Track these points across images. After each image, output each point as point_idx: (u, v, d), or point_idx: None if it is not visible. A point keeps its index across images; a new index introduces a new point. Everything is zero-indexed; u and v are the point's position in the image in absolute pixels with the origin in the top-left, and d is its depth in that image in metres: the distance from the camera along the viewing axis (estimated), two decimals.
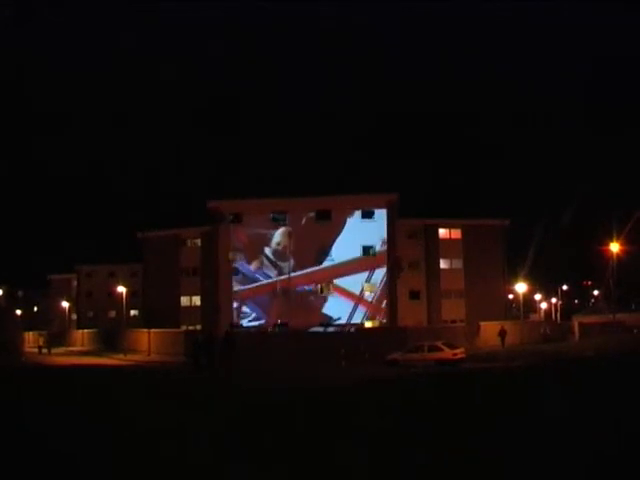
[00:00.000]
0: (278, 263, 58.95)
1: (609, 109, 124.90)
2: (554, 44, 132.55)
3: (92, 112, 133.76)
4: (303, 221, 58.64)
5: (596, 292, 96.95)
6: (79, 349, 62.47)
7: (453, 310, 57.97)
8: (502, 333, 46.58)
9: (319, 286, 58.17)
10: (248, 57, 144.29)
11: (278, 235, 59.17)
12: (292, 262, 57.94)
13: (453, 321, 55.91)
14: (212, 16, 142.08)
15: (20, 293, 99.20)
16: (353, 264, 57.62)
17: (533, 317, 78.88)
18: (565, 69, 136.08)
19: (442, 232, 60.21)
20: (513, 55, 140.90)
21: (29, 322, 76.63)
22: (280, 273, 58.60)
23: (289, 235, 58.55)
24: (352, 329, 52.68)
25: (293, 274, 57.73)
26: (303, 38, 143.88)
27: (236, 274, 59.39)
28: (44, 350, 55.77)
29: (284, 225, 58.83)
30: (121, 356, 48.37)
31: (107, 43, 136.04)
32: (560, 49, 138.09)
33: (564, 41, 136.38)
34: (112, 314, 76.69)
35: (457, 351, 33.81)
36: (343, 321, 56.17)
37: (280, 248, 58.80)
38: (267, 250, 59.27)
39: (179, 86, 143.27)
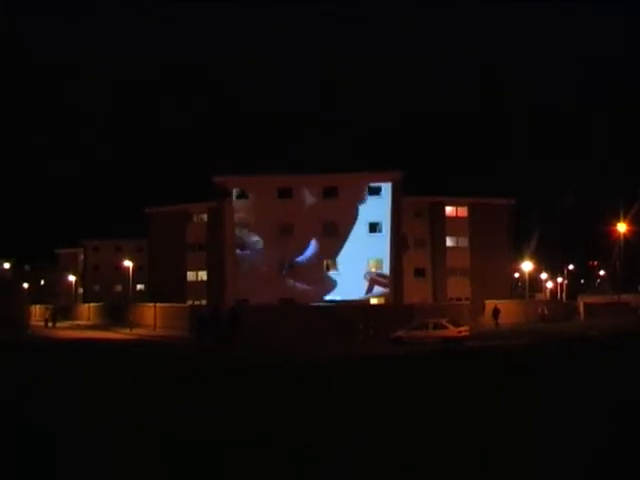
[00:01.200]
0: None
1: (608, 109, 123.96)
2: (554, 44, 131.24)
3: (92, 108, 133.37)
4: (309, 198, 58.26)
5: (602, 272, 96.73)
6: (85, 323, 62.80)
7: (458, 288, 57.94)
8: (495, 312, 46.07)
9: (325, 262, 58.00)
10: (248, 57, 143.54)
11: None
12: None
13: (458, 299, 55.89)
14: (213, 16, 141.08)
15: (27, 267, 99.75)
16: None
17: (539, 296, 78.90)
18: (564, 69, 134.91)
19: (448, 210, 60.00)
20: (513, 55, 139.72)
21: (36, 296, 77.06)
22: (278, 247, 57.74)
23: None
24: (356, 304, 52.66)
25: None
26: (303, 38, 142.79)
27: (242, 249, 59.40)
28: (49, 324, 56.09)
29: (290, 201, 58.29)
30: (127, 330, 48.59)
31: (107, 43, 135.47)
32: (560, 49, 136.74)
33: (564, 41, 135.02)
34: (118, 288, 77.16)
35: (461, 329, 33.83)
36: (349, 297, 56.00)
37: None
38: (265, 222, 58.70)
39: (179, 86, 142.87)
